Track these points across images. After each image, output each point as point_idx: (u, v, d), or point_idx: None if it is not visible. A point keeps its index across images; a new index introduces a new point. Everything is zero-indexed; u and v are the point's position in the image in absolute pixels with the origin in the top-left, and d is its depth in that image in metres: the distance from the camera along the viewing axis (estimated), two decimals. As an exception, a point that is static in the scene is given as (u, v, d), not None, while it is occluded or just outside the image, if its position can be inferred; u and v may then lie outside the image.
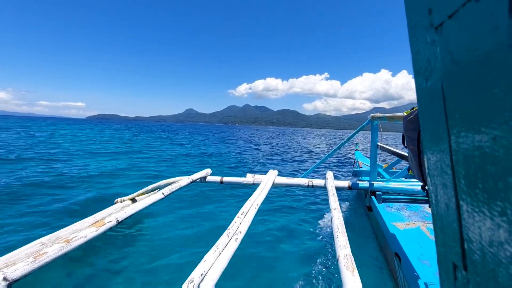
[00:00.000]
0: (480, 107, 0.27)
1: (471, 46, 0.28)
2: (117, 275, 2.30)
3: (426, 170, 0.42)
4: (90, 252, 2.56)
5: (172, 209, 4.03)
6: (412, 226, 2.61)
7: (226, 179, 3.74)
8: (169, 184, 3.35)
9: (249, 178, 3.66)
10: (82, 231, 1.95)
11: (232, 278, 2.26)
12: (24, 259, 1.65)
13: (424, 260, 2.00)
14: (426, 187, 1.31)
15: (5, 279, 1.51)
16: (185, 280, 1.33)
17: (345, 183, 3.49)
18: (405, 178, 3.94)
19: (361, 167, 5.48)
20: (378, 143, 3.56)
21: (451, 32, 0.30)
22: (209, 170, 3.90)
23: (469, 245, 0.31)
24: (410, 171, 1.85)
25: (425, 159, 0.42)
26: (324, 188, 3.38)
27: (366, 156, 7.00)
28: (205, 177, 3.76)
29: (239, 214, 2.23)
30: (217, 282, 1.39)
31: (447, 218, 0.35)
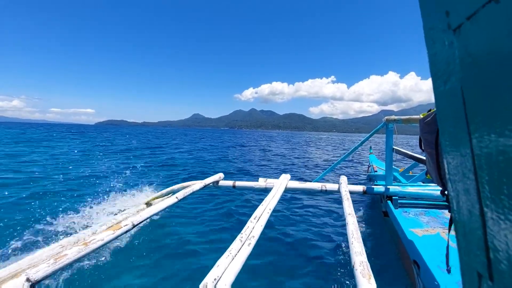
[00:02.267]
0: (503, 109, 0.26)
1: (492, 48, 0.27)
2: (131, 275, 2.34)
3: (447, 175, 0.40)
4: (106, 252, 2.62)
5: (186, 212, 4.07)
6: (431, 233, 2.51)
7: (239, 183, 3.74)
8: (183, 188, 3.39)
9: (261, 182, 3.65)
10: (100, 234, 2.00)
11: (246, 283, 2.26)
12: (46, 260, 1.71)
13: (444, 269, 1.92)
14: (446, 192, 1.26)
15: (28, 280, 1.57)
16: (198, 286, 1.34)
17: (359, 188, 3.42)
18: (423, 183, 3.81)
19: (376, 171, 5.35)
20: (394, 146, 3.48)
21: (470, 34, 0.30)
22: (221, 175, 3.92)
23: (495, 254, 0.29)
24: (428, 175, 1.79)
25: (445, 164, 0.40)
26: (337, 192, 3.32)
27: (381, 160, 6.84)
28: (217, 182, 3.78)
29: (251, 219, 2.22)
30: (230, 286, 1.39)
31: (470, 225, 0.34)
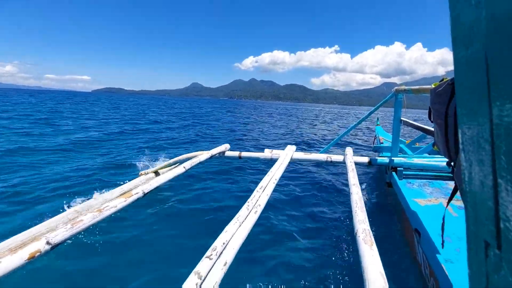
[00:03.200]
0: None
1: None
2: (139, 244, 2.48)
3: (460, 146, 0.40)
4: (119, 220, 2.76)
5: (193, 183, 4.19)
6: (434, 203, 2.55)
7: (245, 154, 3.78)
8: (189, 158, 3.45)
9: (267, 153, 3.69)
10: (112, 201, 2.09)
11: (249, 248, 2.37)
12: (63, 225, 1.81)
13: (446, 237, 1.98)
14: (452, 163, 1.26)
15: (48, 243, 1.68)
16: (208, 248, 1.42)
17: (364, 159, 3.43)
18: (429, 154, 3.79)
19: (382, 143, 5.33)
20: (402, 118, 3.41)
21: None
22: (227, 145, 3.96)
23: (505, 224, 0.30)
24: (435, 146, 1.77)
25: (460, 134, 0.39)
26: (343, 163, 3.34)
27: (387, 132, 6.77)
28: (223, 152, 3.83)
29: (257, 188, 2.28)
30: (238, 250, 1.47)
31: (481, 195, 0.34)
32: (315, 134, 11.81)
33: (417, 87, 2.81)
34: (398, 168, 3.25)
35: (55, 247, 1.67)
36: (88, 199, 2.56)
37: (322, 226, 2.98)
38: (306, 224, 3.01)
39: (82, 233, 1.89)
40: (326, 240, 2.67)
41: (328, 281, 2.04)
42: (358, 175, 2.60)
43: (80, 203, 2.48)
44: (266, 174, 2.61)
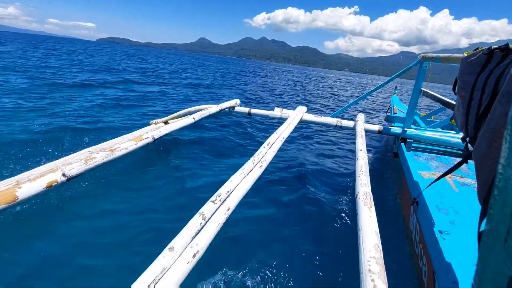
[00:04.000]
0: None
1: None
2: (147, 194, 2.61)
3: (509, 127, 0.36)
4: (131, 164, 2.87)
5: (201, 134, 4.25)
6: (436, 176, 2.56)
7: (254, 111, 3.76)
8: (199, 110, 3.45)
9: (277, 112, 3.65)
10: (124, 143, 2.15)
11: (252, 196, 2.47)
12: (78, 161, 1.91)
13: (442, 209, 2.02)
14: (468, 138, 1.23)
15: (64, 175, 1.78)
16: (212, 195, 1.50)
17: (375, 127, 3.37)
18: (442, 129, 3.70)
19: (396, 113, 5.18)
20: (422, 88, 3.26)
21: None
22: (237, 101, 3.91)
23: None
24: (453, 120, 1.71)
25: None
26: (353, 129, 3.31)
27: (403, 103, 6.54)
28: (233, 107, 3.80)
29: (264, 144, 2.31)
30: (241, 199, 1.54)
31: None
32: (327, 98, 11.51)
33: (446, 55, 2.61)
34: (408, 140, 3.20)
35: (70, 179, 1.78)
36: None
37: (324, 189, 3.06)
38: (309, 186, 3.08)
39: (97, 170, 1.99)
40: (326, 203, 2.76)
41: (324, 241, 2.15)
42: (366, 144, 2.59)
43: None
44: (274, 132, 2.62)
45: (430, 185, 1.63)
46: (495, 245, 0.35)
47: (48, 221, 1.85)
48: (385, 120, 4.63)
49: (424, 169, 2.70)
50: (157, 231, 1.90)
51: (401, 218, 2.55)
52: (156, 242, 1.52)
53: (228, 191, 1.55)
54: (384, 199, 2.83)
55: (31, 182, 1.62)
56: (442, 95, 3.02)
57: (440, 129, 3.67)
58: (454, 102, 1.78)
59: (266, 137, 2.48)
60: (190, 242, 1.17)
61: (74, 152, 2.26)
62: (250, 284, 1.56)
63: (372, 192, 1.67)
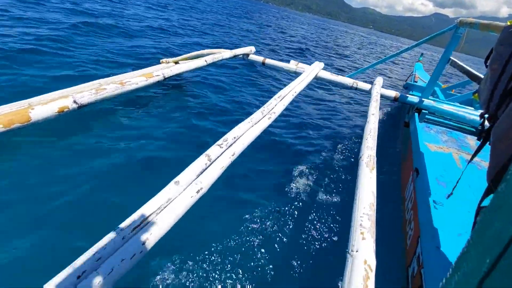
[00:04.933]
0: None
1: None
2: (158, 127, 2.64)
3: None
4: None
5: (212, 79, 4.15)
6: (444, 151, 2.54)
7: (269, 61, 3.59)
8: (212, 54, 3.31)
9: (292, 65, 3.49)
10: (134, 78, 2.12)
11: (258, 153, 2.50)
12: (89, 90, 1.91)
13: (442, 182, 2.04)
14: (487, 116, 1.17)
15: (75, 102, 1.80)
16: (219, 139, 1.52)
17: (392, 93, 3.24)
18: (460, 104, 3.55)
19: (416, 82, 4.94)
20: (451, 57, 3.03)
21: None
22: (252, 48, 3.72)
23: None
24: (476, 95, 1.62)
25: None
26: (368, 93, 3.19)
27: (427, 72, 6.18)
28: (247, 55, 3.63)
29: (275, 97, 2.26)
30: (247, 147, 1.57)
31: None
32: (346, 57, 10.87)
33: (486, 21, 2.37)
34: (423, 110, 3.10)
35: (81, 107, 1.81)
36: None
37: (329, 148, 3.06)
38: (314, 143, 3.09)
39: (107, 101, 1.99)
40: (328, 162, 2.79)
41: (320, 198, 2.21)
42: (379, 109, 2.51)
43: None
44: (287, 85, 2.54)
45: (467, 165, 1.59)
46: (495, 219, 0.35)
47: (57, 147, 1.91)
48: (403, 87, 4.43)
49: (432, 141, 2.67)
50: (160, 165, 1.96)
51: (399, 187, 2.61)
52: (159, 176, 1.59)
53: (234, 137, 1.57)
54: (387, 165, 2.86)
55: (42, 106, 1.65)
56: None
57: (458, 104, 3.52)
58: (482, 76, 1.67)
59: (278, 90, 2.41)
60: (194, 179, 1.23)
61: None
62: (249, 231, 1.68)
63: (376, 157, 1.68)
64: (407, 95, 3.28)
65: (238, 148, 1.51)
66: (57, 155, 1.77)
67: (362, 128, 2.76)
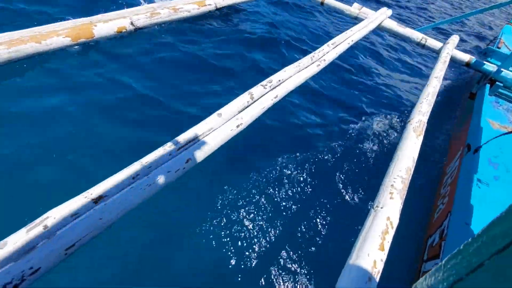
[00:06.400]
0: None
1: None
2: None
3: None
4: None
5: (268, 11, 3.86)
6: (508, 130, 2.26)
7: (329, 1, 3.21)
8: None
9: (355, 9, 3.09)
10: (187, 5, 2.08)
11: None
12: (144, 13, 1.94)
13: (494, 163, 1.87)
14: None
15: (132, 23, 1.86)
16: (263, 79, 1.50)
17: (465, 57, 2.80)
18: None
19: (500, 48, 4.15)
20: None
21: None
22: (313, -16, 3.32)
23: None
24: None
25: None
26: (436, 52, 2.79)
27: None
28: (306, -8, 3.27)
29: (329, 43, 2.09)
30: (291, 91, 1.54)
31: None
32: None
33: None
34: (497, 82, 2.68)
35: (137, 30, 1.86)
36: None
37: (377, 108, 2.82)
38: (362, 99, 2.84)
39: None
40: (371, 123, 2.60)
41: (358, 159, 2.12)
42: (445, 73, 2.20)
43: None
44: (343, 31, 2.31)
45: None
46: None
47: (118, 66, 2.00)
48: (482, 52, 3.76)
49: (496, 118, 2.37)
50: (202, 96, 1.97)
51: (442, 160, 2.46)
52: (201, 108, 1.63)
53: (279, 80, 1.54)
54: (437, 135, 2.62)
55: (104, 23, 1.73)
56: None
57: None
58: None
59: (333, 35, 2.21)
60: (236, 114, 1.28)
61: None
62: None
63: (428, 124, 1.56)
64: (484, 61, 2.82)
65: (282, 91, 1.50)
66: (118, 72, 1.86)
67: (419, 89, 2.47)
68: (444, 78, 3.35)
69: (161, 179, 0.97)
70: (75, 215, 0.78)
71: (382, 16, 2.92)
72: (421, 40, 2.83)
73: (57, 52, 1.63)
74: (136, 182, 0.93)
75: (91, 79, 1.74)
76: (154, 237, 1.20)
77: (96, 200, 0.83)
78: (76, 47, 1.69)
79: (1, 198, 1.13)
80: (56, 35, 1.50)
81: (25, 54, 1.41)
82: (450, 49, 2.64)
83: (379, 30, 3.02)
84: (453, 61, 2.79)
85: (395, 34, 3.00)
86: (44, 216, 0.77)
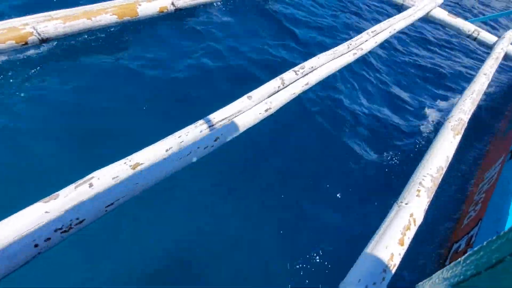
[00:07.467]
0: None
1: None
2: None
3: None
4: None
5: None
6: None
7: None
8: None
9: (401, -5, 2.89)
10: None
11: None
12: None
13: None
14: None
15: (173, 4, 1.91)
16: (296, 64, 1.49)
17: None
18: None
19: None
20: None
21: None
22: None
23: None
24: None
25: None
26: (489, 47, 2.55)
27: None
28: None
29: (368, 31, 1.99)
30: (323, 79, 1.51)
31: None
32: None
33: None
34: None
35: (177, 10, 1.92)
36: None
37: (417, 104, 2.62)
38: (401, 91, 2.65)
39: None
40: (409, 120, 2.44)
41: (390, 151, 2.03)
42: (496, 71, 1.99)
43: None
44: (385, 19, 2.19)
45: None
46: None
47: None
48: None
49: None
50: (230, 81, 1.98)
51: (479, 165, 2.29)
52: (228, 90, 1.65)
53: (312, 67, 1.52)
54: (479, 137, 2.41)
55: (147, 3, 1.80)
56: None
57: None
58: None
59: (374, 24, 2.10)
60: (266, 98, 1.30)
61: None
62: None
63: (468, 124, 1.45)
64: None
65: (314, 78, 1.48)
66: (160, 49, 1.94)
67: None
68: (495, 76, 3.04)
69: (190, 154, 1.03)
70: (116, 177, 0.87)
71: (432, 4, 2.70)
72: (473, 32, 2.58)
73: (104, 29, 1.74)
74: (169, 153, 1.00)
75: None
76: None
77: (134, 167, 0.91)
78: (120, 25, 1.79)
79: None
80: (104, 12, 1.60)
81: (77, 29, 1.53)
82: (505, 44, 2.39)
83: (427, 19, 2.80)
84: (507, 59, 2.53)
85: (444, 25, 2.76)
86: (90, 176, 0.87)
